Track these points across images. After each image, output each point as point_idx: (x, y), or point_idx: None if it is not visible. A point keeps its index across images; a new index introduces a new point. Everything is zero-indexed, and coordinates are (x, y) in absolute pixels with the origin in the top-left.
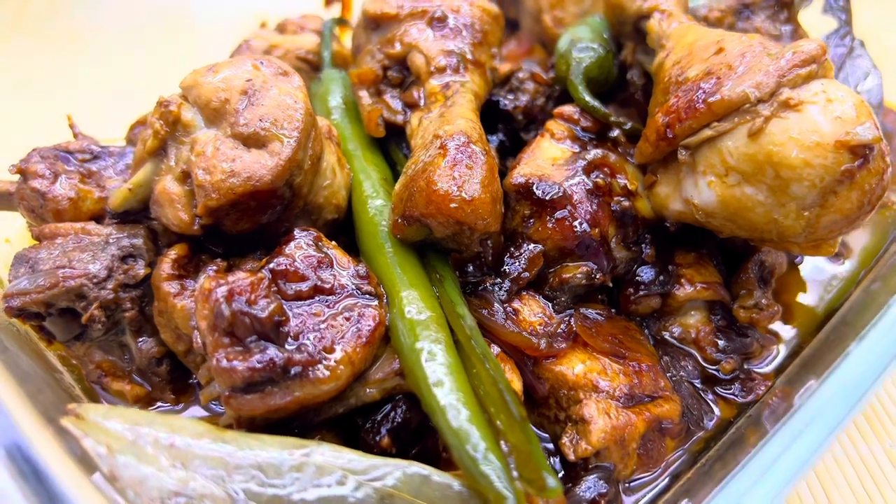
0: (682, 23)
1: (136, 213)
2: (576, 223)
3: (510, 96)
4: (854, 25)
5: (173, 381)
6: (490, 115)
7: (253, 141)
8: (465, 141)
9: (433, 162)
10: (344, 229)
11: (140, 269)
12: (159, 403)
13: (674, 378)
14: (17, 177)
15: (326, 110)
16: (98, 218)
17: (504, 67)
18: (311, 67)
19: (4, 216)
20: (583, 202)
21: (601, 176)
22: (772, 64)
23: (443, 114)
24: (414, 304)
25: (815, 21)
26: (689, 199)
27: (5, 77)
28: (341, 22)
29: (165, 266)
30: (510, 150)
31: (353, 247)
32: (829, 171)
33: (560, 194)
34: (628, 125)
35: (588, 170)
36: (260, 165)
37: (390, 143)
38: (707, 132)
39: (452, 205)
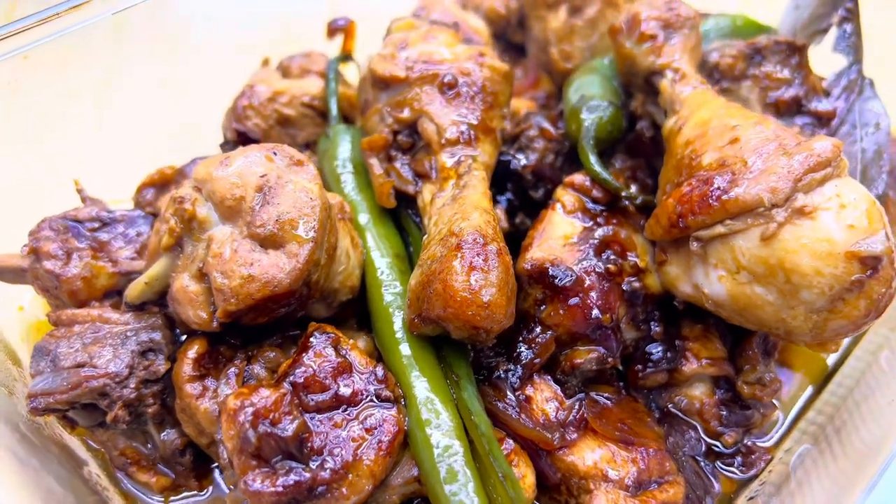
0: (695, 88)
1: (153, 302)
2: (588, 311)
3: (519, 155)
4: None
5: (196, 468)
6: (499, 173)
7: (270, 242)
8: (482, 242)
9: (449, 265)
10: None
11: (160, 366)
12: (184, 492)
13: (678, 458)
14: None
15: (335, 174)
16: (112, 292)
17: (518, 107)
18: (316, 114)
19: None
20: (594, 288)
21: (612, 257)
22: (787, 166)
23: (456, 198)
24: (432, 413)
25: (825, 59)
26: (698, 285)
27: None
28: (345, 58)
29: (186, 368)
30: (518, 207)
31: (364, 316)
32: (838, 279)
33: (573, 281)
34: (639, 199)
35: (599, 250)
36: (278, 269)
37: (401, 210)
38: (720, 229)
39: (469, 311)
